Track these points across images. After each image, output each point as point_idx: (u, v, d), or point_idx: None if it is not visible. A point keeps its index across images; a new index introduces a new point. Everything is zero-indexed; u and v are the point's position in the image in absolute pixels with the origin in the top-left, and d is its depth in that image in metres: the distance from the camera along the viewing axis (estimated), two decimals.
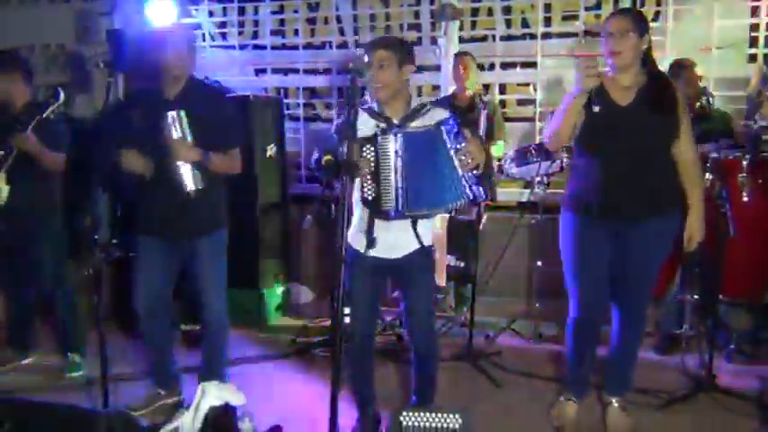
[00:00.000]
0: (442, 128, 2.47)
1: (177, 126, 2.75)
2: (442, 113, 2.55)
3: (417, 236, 2.58)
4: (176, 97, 2.87)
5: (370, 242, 2.53)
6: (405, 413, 2.31)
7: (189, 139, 2.77)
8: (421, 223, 2.58)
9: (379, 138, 2.45)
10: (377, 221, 2.53)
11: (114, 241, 3.02)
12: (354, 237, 2.60)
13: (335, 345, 2.13)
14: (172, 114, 2.75)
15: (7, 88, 3.42)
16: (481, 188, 2.46)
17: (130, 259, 3.08)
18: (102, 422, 2.49)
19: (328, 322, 4.24)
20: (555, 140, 2.76)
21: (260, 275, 4.46)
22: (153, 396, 3.14)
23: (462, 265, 4.00)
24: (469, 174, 2.45)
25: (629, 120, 2.63)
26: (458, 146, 2.44)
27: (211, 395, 2.55)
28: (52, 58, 5.75)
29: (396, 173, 2.45)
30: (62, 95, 3.25)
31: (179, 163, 2.78)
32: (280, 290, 4.62)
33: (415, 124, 2.52)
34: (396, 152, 2.45)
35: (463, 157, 2.43)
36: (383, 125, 2.51)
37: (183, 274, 3.06)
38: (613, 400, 2.94)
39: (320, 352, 3.85)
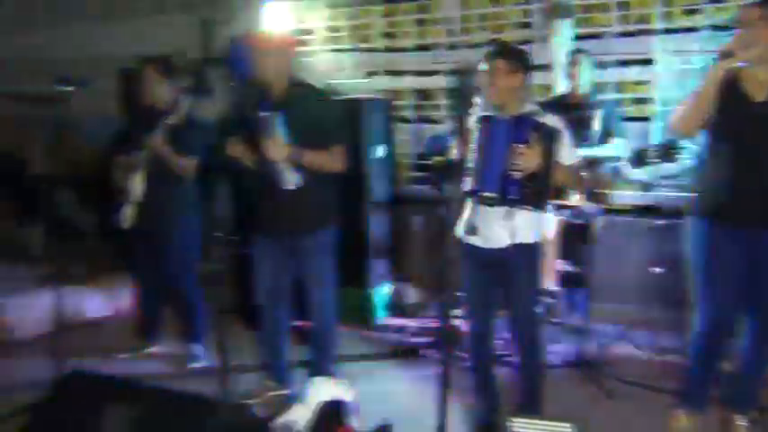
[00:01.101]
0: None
1: (270, 126, 2.88)
2: (549, 119, 2.58)
3: (512, 228, 2.58)
4: (279, 99, 3.01)
5: (471, 229, 2.57)
6: (513, 420, 2.27)
7: (282, 138, 2.88)
8: (519, 216, 2.58)
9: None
10: (478, 210, 2.58)
11: (235, 238, 3.18)
12: (459, 227, 2.68)
13: (444, 346, 2.14)
14: (265, 115, 2.88)
15: (153, 90, 3.66)
16: (512, 187, 2.48)
17: (250, 255, 3.24)
18: (221, 411, 2.62)
19: (437, 323, 4.24)
20: (680, 125, 2.60)
21: (368, 275, 4.53)
22: (264, 387, 3.27)
23: (575, 269, 3.89)
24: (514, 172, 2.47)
25: (762, 117, 2.46)
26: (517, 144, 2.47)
27: (322, 391, 2.62)
28: (177, 65, 6.13)
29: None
30: (187, 102, 3.46)
31: (277, 162, 2.90)
32: (387, 289, 4.67)
33: None
34: None
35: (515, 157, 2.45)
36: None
37: None
38: (738, 417, 2.77)
39: (428, 353, 3.87)
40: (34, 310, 4.29)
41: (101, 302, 4.68)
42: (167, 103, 3.67)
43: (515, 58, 2.60)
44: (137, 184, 3.63)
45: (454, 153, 2.41)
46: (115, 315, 4.61)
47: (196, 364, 3.72)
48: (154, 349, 3.95)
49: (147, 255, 3.78)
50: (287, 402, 3.04)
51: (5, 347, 4.08)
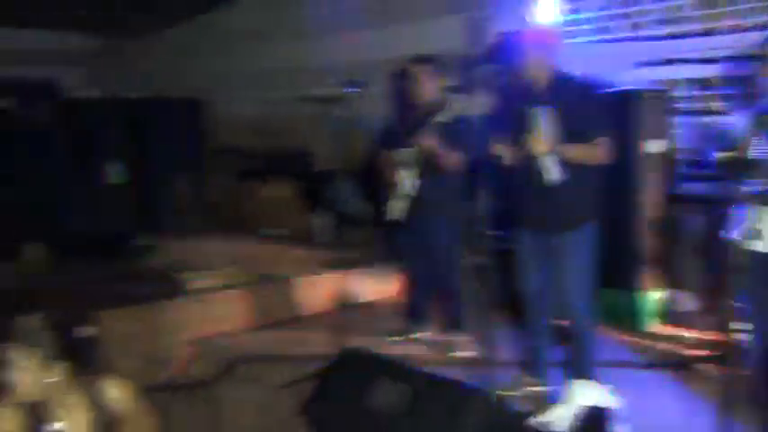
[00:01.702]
0: None
1: (535, 121, 2.86)
2: None
3: None
4: (542, 92, 2.97)
5: (754, 233, 2.38)
6: None
7: (546, 132, 2.84)
8: None
9: None
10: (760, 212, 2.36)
11: (497, 233, 3.24)
12: (740, 232, 2.45)
13: (725, 362, 1.96)
14: (530, 110, 2.88)
15: (422, 89, 3.87)
16: None
17: (513, 251, 3.28)
18: (481, 401, 2.69)
19: (715, 335, 3.87)
20: None
21: (636, 277, 4.28)
22: (523, 382, 3.28)
23: None
24: None
25: None
26: None
27: (585, 394, 2.56)
28: (445, 64, 6.38)
29: None
30: (455, 100, 3.59)
31: (539, 155, 2.86)
32: (658, 295, 4.37)
33: None
34: None
35: None
36: None
37: None
38: None
39: (704, 367, 3.55)
40: (319, 289, 4.84)
41: (375, 286, 5.09)
42: (436, 101, 3.84)
43: None
44: (406, 179, 3.86)
45: (746, 149, 2.18)
46: (386, 299, 4.97)
47: (458, 353, 3.86)
48: (419, 334, 4.17)
49: (414, 245, 4.01)
50: (545, 400, 3.03)
51: (295, 322, 4.65)
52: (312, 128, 7.44)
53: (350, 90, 3.72)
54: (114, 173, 5.98)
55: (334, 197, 6.54)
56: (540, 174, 2.93)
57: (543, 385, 3.25)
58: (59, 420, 2.19)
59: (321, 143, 7.34)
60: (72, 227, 5.67)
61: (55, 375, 2.17)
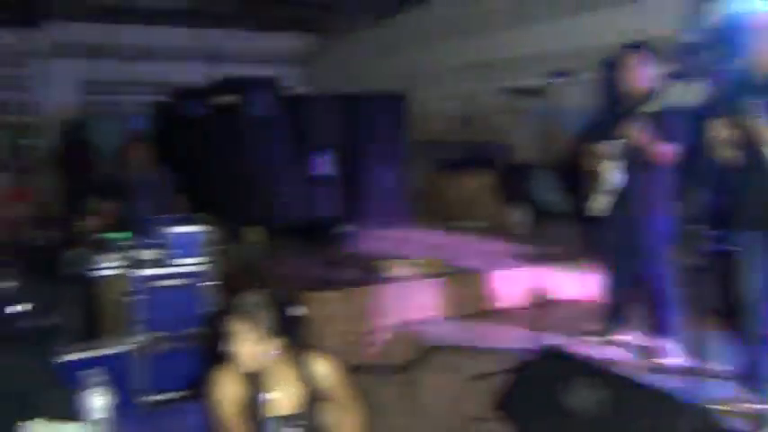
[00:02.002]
0: None
1: (759, 112, 2.61)
2: None
3: None
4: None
5: None
6: None
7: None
8: None
9: None
10: None
11: (714, 233, 2.99)
12: None
13: None
14: (753, 101, 2.64)
15: (633, 77, 3.67)
16: None
17: (731, 252, 3.01)
18: (687, 414, 2.51)
19: None
20: None
21: None
22: (738, 398, 3.00)
23: None
24: None
25: None
26: None
27: None
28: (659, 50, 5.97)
29: None
30: (667, 88, 3.35)
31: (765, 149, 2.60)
32: None
33: None
34: None
35: None
36: None
37: None
38: None
39: None
40: (515, 284, 4.80)
41: (574, 283, 4.94)
42: (649, 90, 3.62)
43: None
44: (611, 173, 3.69)
45: None
46: (586, 297, 4.81)
47: (664, 360, 3.63)
48: (620, 336, 3.99)
49: (618, 244, 3.82)
50: (764, 420, 2.75)
51: (489, 315, 4.67)
52: (512, 119, 7.38)
53: (555, 80, 3.62)
54: (325, 164, 6.39)
55: (532, 190, 6.44)
56: (761, 166, 2.65)
57: (764, 403, 2.95)
58: (273, 390, 2.42)
59: (521, 135, 7.25)
60: (287, 213, 6.16)
61: (272, 349, 2.38)
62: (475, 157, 7.42)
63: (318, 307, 4.19)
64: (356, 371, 3.25)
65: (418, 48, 8.79)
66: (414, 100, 7.66)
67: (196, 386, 4.25)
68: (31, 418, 2.33)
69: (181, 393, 4.30)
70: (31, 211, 5.12)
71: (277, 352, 2.38)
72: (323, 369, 2.50)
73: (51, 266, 5.01)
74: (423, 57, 8.73)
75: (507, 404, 3.10)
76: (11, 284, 2.64)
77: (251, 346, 2.33)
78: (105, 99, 10.28)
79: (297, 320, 2.48)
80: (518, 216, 6.50)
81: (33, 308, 3.29)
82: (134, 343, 4.17)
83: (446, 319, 4.59)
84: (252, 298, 2.38)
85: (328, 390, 2.49)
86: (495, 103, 7.53)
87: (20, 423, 2.30)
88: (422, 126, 7.86)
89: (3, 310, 2.60)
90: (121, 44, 10.12)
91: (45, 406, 2.42)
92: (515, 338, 3.77)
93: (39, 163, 7.49)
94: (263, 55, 10.99)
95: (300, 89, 10.26)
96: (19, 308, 2.63)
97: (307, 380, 2.45)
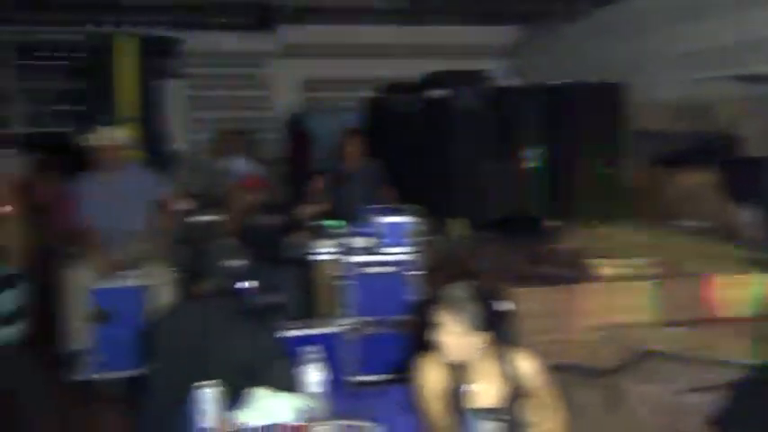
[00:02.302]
0: None
1: None
2: None
3: None
4: None
5: None
6: None
7: None
8: None
9: None
10: None
11: None
12: None
13: None
14: None
15: None
16: None
17: None
18: None
19: None
20: None
21: None
22: None
23: None
24: None
25: None
26: None
27: None
28: None
29: None
30: None
31: None
32: None
33: None
34: None
35: None
36: None
37: None
38: None
39: None
40: (739, 291, 4.37)
41: None
42: None
43: None
44: None
45: None
46: None
47: None
48: None
49: None
50: None
51: (707, 323, 4.29)
52: (741, 109, 6.70)
53: None
54: (533, 157, 6.28)
55: (764, 187, 5.81)
56: None
57: None
58: (476, 383, 2.45)
59: (751, 126, 6.57)
60: (493, 206, 6.16)
61: (476, 342, 2.41)
62: (697, 149, 6.83)
63: (522, 303, 4.15)
64: (558, 370, 3.18)
65: (636, 34, 8.28)
66: (630, 89, 7.25)
67: (400, 370, 4.45)
68: (256, 386, 2.59)
69: (385, 376, 4.51)
70: (263, 198, 5.66)
71: (482, 345, 2.41)
72: (526, 366, 2.48)
73: (275, 249, 5.51)
74: (640, 44, 8.22)
75: (724, 422, 2.83)
76: (241, 262, 2.95)
77: (456, 337, 2.38)
78: (324, 96, 10.99)
79: (503, 315, 2.48)
80: (746, 216, 5.89)
81: (259, 286, 3.64)
82: (344, 325, 4.45)
83: (659, 324, 4.30)
84: (459, 290, 2.42)
85: (531, 387, 2.47)
86: (720, 91, 6.87)
87: (246, 390, 2.56)
88: (639, 117, 7.41)
89: (234, 285, 2.90)
90: (339, 43, 10.75)
91: (269, 376, 2.67)
92: (738, 350, 3.43)
93: (269, 154, 8.24)
94: (472, 48, 11.05)
95: (509, 81, 10.18)
96: (247, 284, 2.93)
97: (510, 375, 2.45)
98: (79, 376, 4.44)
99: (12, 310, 4.00)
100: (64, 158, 6.37)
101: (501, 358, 2.47)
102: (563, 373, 3.58)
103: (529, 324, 4.10)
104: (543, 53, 10.32)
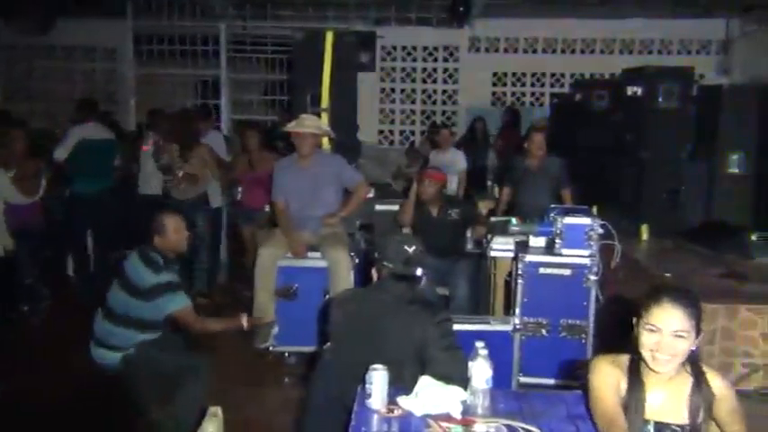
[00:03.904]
0: None
1: None
2: None
3: None
4: None
5: None
6: None
7: None
8: None
9: None
10: None
11: None
12: None
13: None
14: None
15: None
16: None
17: None
18: None
19: None
20: None
21: None
22: None
23: None
24: None
25: None
26: None
27: None
28: None
29: None
30: None
31: None
32: None
33: None
34: None
35: None
36: None
37: None
38: None
39: None
40: None
41: None
42: None
43: None
44: None
45: None
46: None
47: None
48: None
49: None
50: None
51: None
52: None
53: None
54: (733, 161, 5.74)
55: None
56: None
57: None
58: (659, 394, 2.30)
59: None
60: (688, 213, 5.71)
61: (687, 350, 2.25)
62: None
63: (719, 320, 3.84)
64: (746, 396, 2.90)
65: None
66: None
67: (569, 377, 4.29)
68: (424, 373, 2.63)
69: (553, 380, 4.38)
70: (444, 191, 5.72)
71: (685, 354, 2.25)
72: (719, 387, 2.28)
73: (454, 243, 5.55)
74: None
75: None
76: (418, 251, 3.00)
77: (689, 344, 2.23)
78: (510, 90, 10.85)
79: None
80: None
81: (431, 277, 3.68)
82: (516, 324, 4.38)
83: None
84: (690, 295, 2.27)
85: (719, 410, 2.27)
86: None
87: (414, 377, 2.61)
88: None
89: (410, 273, 2.95)
90: (530, 37, 10.54)
91: (438, 365, 2.70)
92: None
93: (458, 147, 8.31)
94: (679, 43, 10.31)
95: (718, 79, 9.35)
96: (419, 271, 2.97)
97: (699, 394, 2.26)
98: (262, 345, 4.78)
99: None
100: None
101: (691, 375, 2.28)
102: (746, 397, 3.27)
103: (724, 344, 3.80)
104: (760, 48, 9.33)
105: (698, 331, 2.22)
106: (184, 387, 3.76)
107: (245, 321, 3.99)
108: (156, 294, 3.73)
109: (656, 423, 2.29)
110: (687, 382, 2.28)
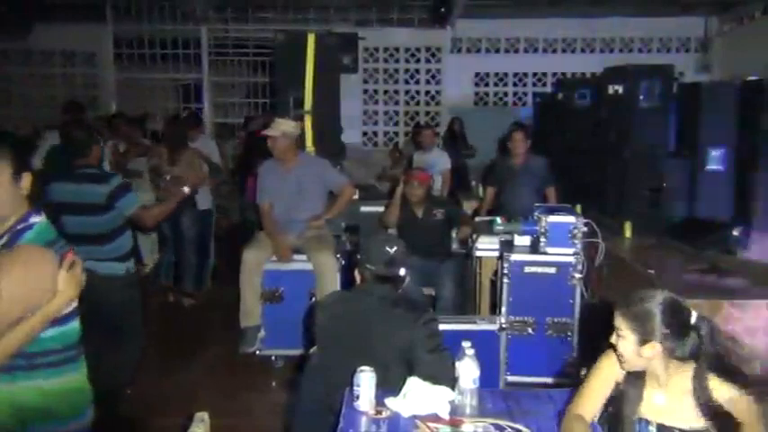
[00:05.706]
0: None
1: None
2: None
3: None
4: None
5: None
6: None
7: None
8: None
9: None
10: None
11: None
12: None
13: None
14: None
15: None
16: None
17: None
18: None
19: None
20: None
21: None
22: None
23: None
24: None
25: None
26: None
27: None
28: None
29: None
30: None
31: None
32: None
33: None
34: None
35: None
36: None
37: None
38: None
39: None
40: None
41: None
42: None
43: None
44: None
45: None
46: None
47: None
48: None
49: None
50: None
51: None
52: None
53: None
54: (714, 158, 5.78)
55: None
56: None
57: None
58: (657, 394, 2.30)
59: None
60: (669, 210, 5.75)
61: (658, 353, 2.24)
62: None
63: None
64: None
65: None
66: None
67: (556, 375, 4.31)
68: (411, 374, 2.62)
69: (540, 379, 4.40)
70: (428, 192, 5.72)
71: (664, 357, 2.24)
72: (723, 388, 2.23)
73: (439, 243, 5.56)
74: None
75: None
76: (401, 252, 2.98)
77: (631, 345, 2.24)
78: (493, 90, 10.89)
79: (690, 328, 2.27)
80: None
81: (414, 277, 3.67)
82: (502, 323, 4.39)
83: None
84: (639, 298, 2.27)
85: (728, 410, 2.22)
86: None
87: (401, 378, 2.61)
88: None
89: (394, 274, 2.94)
90: (511, 37, 10.60)
91: (425, 366, 2.70)
92: None
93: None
94: (659, 41, 10.41)
95: (698, 77, 9.44)
96: (402, 272, 2.96)
97: (702, 396, 2.23)
98: (249, 349, 4.77)
99: None
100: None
101: (693, 376, 2.26)
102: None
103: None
104: (741, 46, 9.44)
105: (642, 338, 2.22)
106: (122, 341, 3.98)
107: (186, 189, 4.37)
108: (113, 200, 3.88)
109: (660, 425, 2.29)
110: (689, 385, 2.26)
